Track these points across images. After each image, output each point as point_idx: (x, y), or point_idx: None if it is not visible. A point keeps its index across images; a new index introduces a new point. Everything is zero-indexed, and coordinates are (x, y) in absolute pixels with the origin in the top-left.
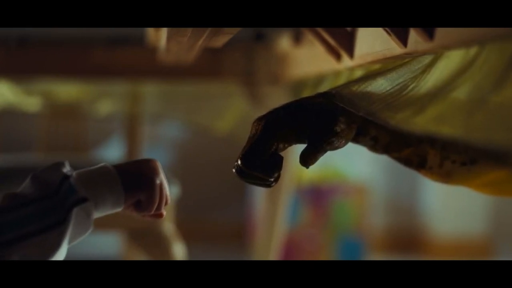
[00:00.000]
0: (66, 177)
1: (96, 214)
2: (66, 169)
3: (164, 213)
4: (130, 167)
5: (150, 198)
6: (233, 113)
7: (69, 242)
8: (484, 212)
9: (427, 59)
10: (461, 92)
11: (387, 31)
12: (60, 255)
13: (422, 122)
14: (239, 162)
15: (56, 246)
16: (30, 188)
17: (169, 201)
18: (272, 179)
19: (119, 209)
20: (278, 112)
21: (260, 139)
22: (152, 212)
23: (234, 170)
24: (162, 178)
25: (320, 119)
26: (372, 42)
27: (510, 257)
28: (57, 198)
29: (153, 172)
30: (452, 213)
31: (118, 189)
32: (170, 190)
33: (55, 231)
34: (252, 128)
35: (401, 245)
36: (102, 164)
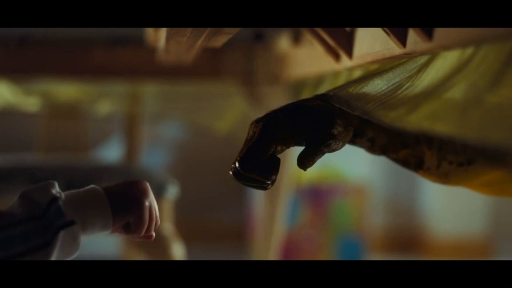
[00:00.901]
0: (55, 198)
1: (84, 237)
2: (55, 190)
3: (153, 235)
4: (119, 190)
5: (139, 220)
6: (233, 113)
7: None
8: (484, 212)
9: (423, 58)
10: (457, 91)
11: (386, 31)
12: None
13: (416, 120)
14: (236, 164)
15: None
16: (19, 207)
17: (158, 223)
18: (269, 182)
19: (107, 232)
20: (276, 114)
21: (258, 141)
22: (142, 234)
23: (231, 173)
24: (151, 199)
25: (318, 122)
26: (371, 42)
27: (510, 257)
28: (44, 220)
29: (142, 194)
30: (451, 213)
31: (106, 212)
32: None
33: (41, 253)
34: (249, 130)
35: (401, 245)
36: (91, 187)
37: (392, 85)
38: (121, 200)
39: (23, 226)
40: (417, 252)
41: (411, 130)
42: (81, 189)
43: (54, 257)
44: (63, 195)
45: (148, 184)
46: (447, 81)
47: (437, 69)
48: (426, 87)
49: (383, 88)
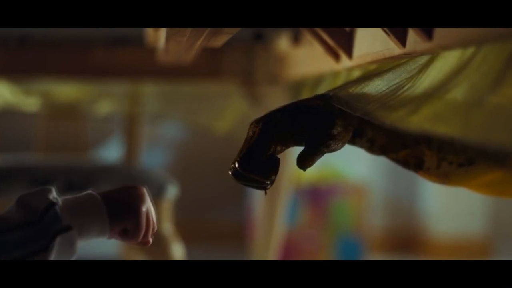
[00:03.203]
0: (52, 204)
1: (81, 242)
2: (52, 195)
3: (151, 240)
4: (116, 195)
5: (136, 226)
6: (232, 113)
7: None
8: (483, 212)
9: (423, 59)
10: (458, 92)
11: (386, 31)
12: None
13: (417, 121)
14: (236, 164)
15: None
16: (16, 212)
17: (155, 229)
18: (268, 182)
19: (104, 237)
20: (276, 114)
21: (257, 142)
22: (139, 240)
23: (230, 173)
24: (149, 205)
25: (318, 122)
26: (371, 42)
27: (510, 257)
28: (41, 225)
29: (140, 200)
30: (451, 213)
31: (103, 218)
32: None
33: (38, 258)
34: (249, 130)
35: (400, 245)
36: (88, 192)
37: (393, 85)
38: (118, 207)
39: (20, 231)
40: (417, 252)
41: (412, 131)
42: (78, 195)
43: None
44: (60, 200)
45: (145, 190)
46: (448, 82)
47: (438, 70)
48: (427, 88)
49: (384, 89)
